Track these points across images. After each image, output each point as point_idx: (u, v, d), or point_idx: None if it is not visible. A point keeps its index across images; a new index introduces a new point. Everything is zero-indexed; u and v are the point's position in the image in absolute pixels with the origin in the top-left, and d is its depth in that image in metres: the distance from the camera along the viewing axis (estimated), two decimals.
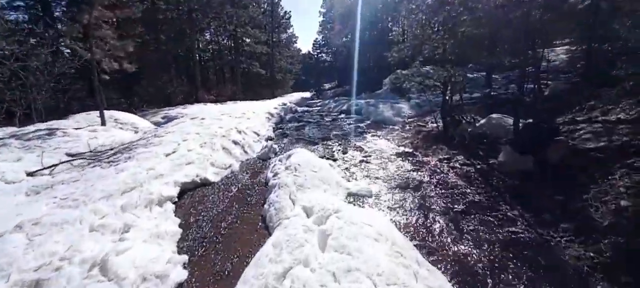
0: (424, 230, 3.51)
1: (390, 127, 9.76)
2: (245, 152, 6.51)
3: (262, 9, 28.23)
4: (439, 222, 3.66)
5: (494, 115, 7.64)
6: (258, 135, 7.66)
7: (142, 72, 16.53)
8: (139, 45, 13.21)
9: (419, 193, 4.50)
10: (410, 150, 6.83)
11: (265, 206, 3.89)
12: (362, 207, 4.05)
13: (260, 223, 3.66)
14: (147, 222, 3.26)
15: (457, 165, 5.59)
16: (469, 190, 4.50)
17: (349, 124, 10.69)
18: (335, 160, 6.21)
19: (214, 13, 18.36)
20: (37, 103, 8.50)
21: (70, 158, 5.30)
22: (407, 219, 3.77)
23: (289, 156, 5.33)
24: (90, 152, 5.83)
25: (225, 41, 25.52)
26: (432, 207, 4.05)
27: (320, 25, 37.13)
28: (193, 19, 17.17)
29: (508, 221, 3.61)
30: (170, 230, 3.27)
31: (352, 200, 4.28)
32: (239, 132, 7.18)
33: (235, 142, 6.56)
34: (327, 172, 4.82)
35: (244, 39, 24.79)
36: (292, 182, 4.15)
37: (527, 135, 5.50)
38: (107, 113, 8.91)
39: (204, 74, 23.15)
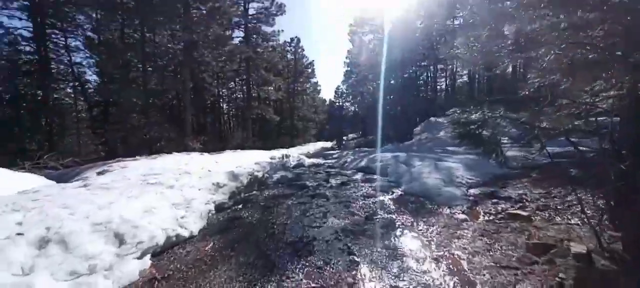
0: None
1: (442, 209, 4.62)
2: None
3: (282, 55, 25.41)
4: None
5: None
6: (122, 242, 2.92)
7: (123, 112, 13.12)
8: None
9: None
10: None
11: None
12: None
13: None
14: None
15: None
16: None
17: (365, 198, 5.69)
18: None
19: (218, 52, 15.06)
20: None
21: None
22: None
23: None
24: None
25: (234, 85, 22.43)
26: None
27: (344, 75, 33.82)
28: (189, 52, 13.86)
29: None
30: None
31: None
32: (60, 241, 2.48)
33: None
34: None
35: (258, 85, 21.49)
36: None
37: None
38: None
39: (200, 119, 19.57)
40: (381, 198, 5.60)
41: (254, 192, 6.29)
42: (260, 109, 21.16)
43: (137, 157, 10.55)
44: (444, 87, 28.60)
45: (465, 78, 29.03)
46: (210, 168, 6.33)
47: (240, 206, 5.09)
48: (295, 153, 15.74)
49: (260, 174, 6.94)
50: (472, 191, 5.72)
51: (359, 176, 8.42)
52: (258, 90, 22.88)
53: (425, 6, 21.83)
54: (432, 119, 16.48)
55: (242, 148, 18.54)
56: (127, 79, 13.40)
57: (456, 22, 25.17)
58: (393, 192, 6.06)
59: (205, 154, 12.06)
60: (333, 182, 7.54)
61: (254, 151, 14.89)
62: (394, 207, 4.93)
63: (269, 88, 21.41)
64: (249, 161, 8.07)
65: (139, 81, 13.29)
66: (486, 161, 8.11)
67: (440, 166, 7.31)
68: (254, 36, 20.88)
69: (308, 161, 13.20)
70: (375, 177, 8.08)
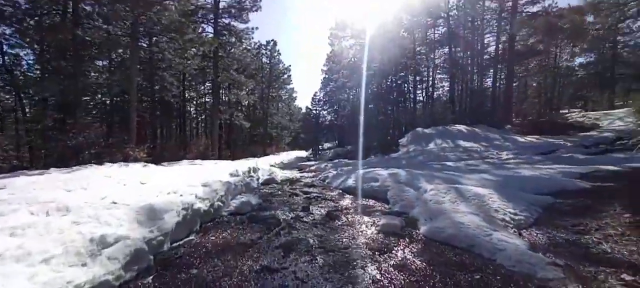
0: None
1: None
2: None
3: (256, 57, 22.82)
4: None
5: None
6: None
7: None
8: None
9: None
10: None
11: None
12: None
13: None
14: None
15: None
16: None
17: (374, 252, 3.38)
18: None
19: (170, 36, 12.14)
20: None
21: None
22: None
23: None
24: None
25: (203, 88, 19.47)
26: None
27: (321, 82, 31.75)
28: (136, 38, 10.88)
29: None
30: None
31: None
32: None
33: None
34: None
35: (228, 84, 18.67)
36: None
37: None
38: None
39: (160, 124, 16.39)
40: (400, 252, 3.29)
41: (190, 237, 3.71)
42: (230, 114, 18.33)
43: (51, 170, 7.48)
44: (422, 98, 27.43)
45: (441, 91, 28.20)
46: (118, 197, 3.67)
47: (146, 282, 2.52)
48: (266, 165, 13.17)
49: (205, 205, 4.35)
50: (531, 237, 3.62)
51: (348, 201, 6.12)
52: (228, 93, 20.04)
53: (408, 12, 20.47)
54: (419, 129, 14.74)
55: (205, 157, 15.61)
56: (54, 71, 10.13)
57: (437, 33, 24.21)
58: (411, 236, 3.80)
59: (150, 166, 9.17)
60: (316, 212, 5.15)
61: (217, 162, 12.08)
62: (434, 280, 2.63)
63: (240, 92, 18.67)
64: (195, 180, 5.44)
65: (68, 72, 10.08)
66: (514, 183, 5.96)
67: (462, 192, 5.19)
68: (225, 33, 18.16)
69: (281, 175, 10.70)
70: (371, 203, 5.82)
